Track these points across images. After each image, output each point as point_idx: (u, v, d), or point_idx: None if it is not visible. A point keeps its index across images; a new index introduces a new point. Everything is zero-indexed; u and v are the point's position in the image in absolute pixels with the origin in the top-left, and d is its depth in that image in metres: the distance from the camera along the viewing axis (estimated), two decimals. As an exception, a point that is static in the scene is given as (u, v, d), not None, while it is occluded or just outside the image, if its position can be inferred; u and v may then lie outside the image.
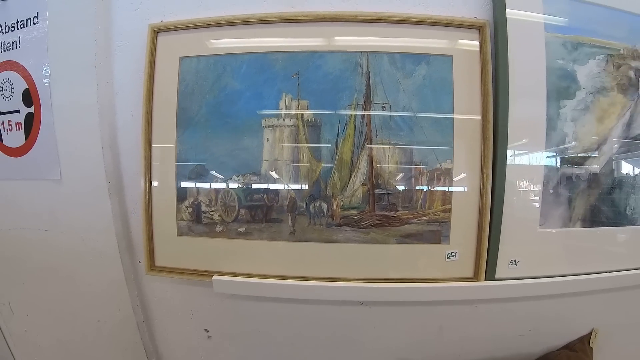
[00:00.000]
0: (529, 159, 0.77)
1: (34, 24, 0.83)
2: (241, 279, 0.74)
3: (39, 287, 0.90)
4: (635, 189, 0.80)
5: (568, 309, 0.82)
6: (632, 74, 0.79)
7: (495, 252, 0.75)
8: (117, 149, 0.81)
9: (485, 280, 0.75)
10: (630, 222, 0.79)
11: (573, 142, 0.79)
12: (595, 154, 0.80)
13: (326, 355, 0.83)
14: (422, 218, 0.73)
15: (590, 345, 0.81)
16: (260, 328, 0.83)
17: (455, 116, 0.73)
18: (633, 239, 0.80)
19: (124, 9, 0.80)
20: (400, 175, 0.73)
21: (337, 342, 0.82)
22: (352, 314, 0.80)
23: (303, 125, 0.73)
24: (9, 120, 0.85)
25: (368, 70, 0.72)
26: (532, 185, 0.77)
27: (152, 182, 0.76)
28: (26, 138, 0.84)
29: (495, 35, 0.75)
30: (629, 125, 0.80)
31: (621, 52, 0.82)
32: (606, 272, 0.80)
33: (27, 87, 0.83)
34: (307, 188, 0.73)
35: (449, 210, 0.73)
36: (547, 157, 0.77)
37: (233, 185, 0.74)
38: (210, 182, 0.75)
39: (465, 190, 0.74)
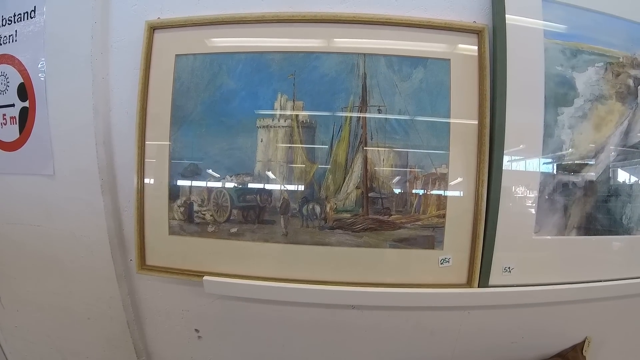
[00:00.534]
0: (525, 165, 0.75)
1: (31, 17, 0.81)
2: (232, 280, 0.71)
3: (30, 282, 0.88)
4: (632, 198, 0.77)
5: (562, 317, 0.79)
6: (630, 82, 0.77)
7: (489, 259, 0.72)
8: (111, 145, 0.79)
9: (478, 287, 0.72)
10: (626, 231, 0.77)
11: (570, 150, 0.77)
12: (592, 162, 0.78)
13: (317, 357, 0.80)
14: (416, 223, 0.70)
15: (584, 354, 0.79)
16: (252, 329, 0.80)
17: (451, 120, 0.71)
18: (628, 248, 0.78)
19: (121, 5, 0.78)
20: (395, 178, 0.71)
21: (328, 345, 0.80)
22: (344, 317, 0.77)
23: (298, 127, 0.71)
24: (4, 114, 0.82)
25: (365, 73, 0.70)
26: (527, 192, 0.74)
27: (145, 180, 0.74)
28: (20, 132, 0.81)
29: (494, 40, 0.73)
30: (626, 133, 0.77)
31: (620, 60, 0.79)
32: (601, 281, 0.77)
33: (23, 81, 0.81)
34: (300, 190, 0.70)
35: (444, 216, 0.70)
36: (544, 163, 0.75)
37: (226, 185, 0.72)
38: (203, 182, 0.72)
39: (461, 195, 0.71)
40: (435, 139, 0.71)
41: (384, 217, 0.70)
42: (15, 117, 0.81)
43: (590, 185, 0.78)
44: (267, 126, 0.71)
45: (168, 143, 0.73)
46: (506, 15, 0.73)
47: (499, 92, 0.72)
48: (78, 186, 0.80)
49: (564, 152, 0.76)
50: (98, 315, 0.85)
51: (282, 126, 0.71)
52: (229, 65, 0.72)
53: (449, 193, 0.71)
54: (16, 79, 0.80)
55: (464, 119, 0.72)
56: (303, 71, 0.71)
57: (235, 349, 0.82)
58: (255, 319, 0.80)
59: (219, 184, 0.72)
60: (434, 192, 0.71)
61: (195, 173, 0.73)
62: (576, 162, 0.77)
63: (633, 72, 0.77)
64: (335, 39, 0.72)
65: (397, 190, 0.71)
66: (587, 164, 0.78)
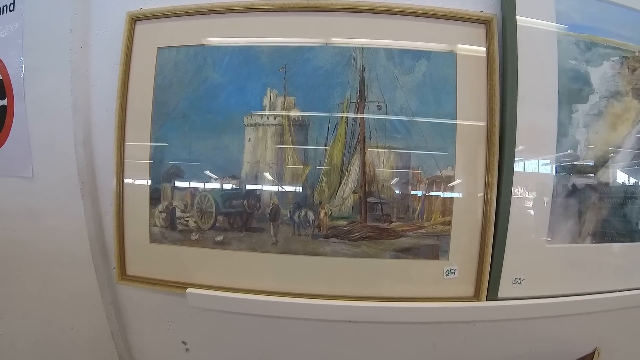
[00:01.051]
0: (537, 167, 0.62)
1: (10, 11, 0.68)
2: (217, 293, 0.59)
3: (14, 289, 0.77)
4: (651, 203, 0.64)
5: (571, 328, 0.68)
6: (648, 78, 0.64)
7: (498, 270, 0.60)
8: (91, 146, 0.67)
9: (487, 300, 0.60)
10: (644, 238, 0.64)
11: (585, 150, 0.64)
12: (608, 164, 0.65)
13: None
14: (419, 231, 0.58)
15: (594, 367, 0.66)
16: (241, 343, 0.68)
17: (458, 120, 0.59)
18: (647, 256, 0.65)
19: (102, -4, 0.65)
20: (396, 182, 0.58)
21: (324, 358, 0.67)
22: (340, 331, 0.65)
23: (289, 125, 0.58)
24: (-20, 113, 0.70)
25: (362, 65, 0.58)
26: (540, 196, 0.62)
27: (124, 183, 0.61)
28: (-2, 132, 0.69)
29: (503, 31, 0.60)
30: (645, 133, 0.64)
31: (636, 54, 0.67)
32: (616, 291, 0.64)
33: (1, 78, 0.68)
34: (292, 194, 0.58)
35: (449, 223, 0.58)
36: (557, 165, 0.62)
37: (210, 189, 0.59)
38: (186, 185, 0.60)
39: (468, 200, 0.59)
40: (440, 138, 0.58)
41: (384, 225, 0.58)
42: (-8, 116, 0.69)
43: (605, 188, 0.65)
44: (256, 124, 0.59)
45: (149, 143, 0.61)
46: (516, 4, 0.60)
47: (509, 87, 0.59)
48: (58, 189, 0.68)
49: (578, 153, 0.64)
50: (82, 325, 0.73)
51: (272, 124, 0.59)
52: (215, 58, 0.60)
53: (455, 198, 0.58)
54: (-7, 76, 0.68)
55: (471, 117, 0.59)
56: (295, 64, 0.58)
57: (224, 363, 0.70)
58: (246, 332, 0.68)
59: (202, 188, 0.59)
60: (439, 196, 0.58)
61: (177, 175, 0.60)
62: (591, 163, 0.64)
63: (651, 67, 0.64)
64: (330, 30, 0.59)
65: (398, 195, 0.58)
66: (602, 166, 0.65)
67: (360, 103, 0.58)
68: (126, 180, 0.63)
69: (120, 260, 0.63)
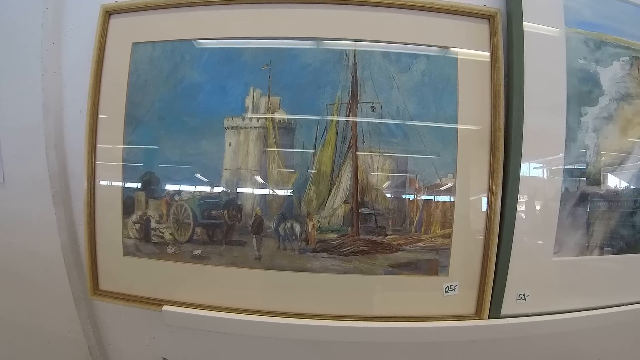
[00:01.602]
0: (544, 175, 0.52)
1: None
2: (196, 311, 0.49)
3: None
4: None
5: (574, 342, 0.60)
6: (661, 79, 0.54)
7: (502, 285, 0.50)
8: (63, 149, 0.57)
9: (489, 318, 0.50)
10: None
11: (595, 156, 0.54)
12: (618, 171, 0.55)
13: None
14: (417, 244, 0.48)
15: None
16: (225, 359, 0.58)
17: (459, 122, 0.49)
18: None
19: (76, -12, 0.55)
20: (392, 191, 0.48)
21: None
22: (331, 352, 0.56)
23: (273, 128, 0.48)
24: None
25: (355, 63, 0.48)
26: (547, 206, 0.52)
27: (96, 191, 0.51)
28: (-36, 135, 0.59)
29: (508, 27, 0.51)
30: (658, 138, 0.55)
31: None
32: (623, 305, 0.55)
33: None
34: (276, 204, 0.48)
35: (449, 236, 0.48)
36: (566, 173, 0.52)
37: (187, 198, 0.49)
38: (161, 194, 0.50)
39: (470, 211, 0.49)
40: (440, 143, 0.48)
41: (378, 238, 0.48)
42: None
43: (615, 197, 0.55)
44: (237, 127, 0.49)
45: (121, 146, 0.51)
46: None
47: (515, 88, 0.50)
48: (29, 196, 0.59)
49: (587, 160, 0.54)
50: (58, 339, 0.63)
51: (255, 127, 0.49)
52: (193, 55, 0.50)
53: (455, 208, 0.48)
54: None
55: (474, 120, 0.50)
56: (281, 61, 0.48)
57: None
58: (230, 349, 0.58)
59: (179, 197, 0.49)
60: (439, 207, 0.48)
61: (152, 183, 0.50)
62: (601, 170, 0.54)
63: (664, 67, 0.55)
64: (320, 24, 0.49)
65: (393, 206, 0.48)
66: (612, 173, 0.55)
67: (353, 104, 0.48)
68: (98, 188, 0.52)
69: (93, 274, 0.53)
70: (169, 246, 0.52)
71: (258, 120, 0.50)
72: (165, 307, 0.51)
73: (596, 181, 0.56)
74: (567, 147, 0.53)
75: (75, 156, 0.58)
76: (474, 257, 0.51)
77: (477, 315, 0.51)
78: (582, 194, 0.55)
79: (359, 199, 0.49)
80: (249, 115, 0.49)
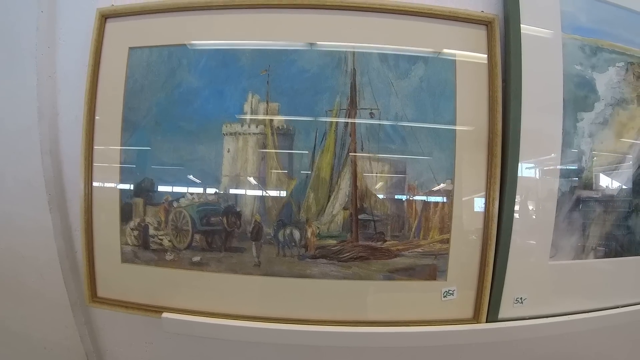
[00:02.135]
0: (541, 180, 0.53)
1: None
2: (195, 318, 0.49)
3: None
4: (657, 216, 0.56)
5: (571, 344, 0.61)
6: (654, 85, 0.56)
7: (499, 289, 0.51)
8: (58, 155, 0.57)
9: (486, 321, 0.51)
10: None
11: (590, 161, 0.55)
12: (613, 175, 0.56)
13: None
14: (416, 250, 0.48)
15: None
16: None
17: (457, 127, 0.49)
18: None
19: (71, -9, 0.54)
20: (390, 197, 0.48)
21: None
22: (330, 357, 0.55)
23: (272, 134, 0.48)
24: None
25: (354, 68, 0.48)
26: (544, 211, 0.53)
27: (93, 197, 0.50)
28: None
29: (505, 33, 0.51)
30: (652, 142, 0.56)
31: None
32: (619, 307, 0.56)
33: None
34: (275, 211, 0.48)
35: (448, 241, 0.48)
36: (562, 177, 0.53)
37: (186, 205, 0.49)
38: (160, 200, 0.49)
39: (468, 216, 0.50)
40: (439, 149, 0.49)
41: (377, 244, 0.48)
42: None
43: (610, 200, 0.56)
44: (235, 133, 0.49)
45: (118, 152, 0.50)
46: (520, 4, 0.51)
47: (513, 94, 0.50)
48: (24, 201, 0.58)
49: (583, 164, 0.55)
50: (54, 345, 0.63)
51: (254, 133, 0.49)
52: (191, 59, 0.50)
53: (454, 214, 0.49)
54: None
55: (471, 126, 0.50)
56: (279, 66, 0.48)
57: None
58: (230, 355, 0.57)
59: (177, 203, 0.49)
60: (437, 212, 0.48)
61: (150, 189, 0.50)
62: (597, 175, 0.55)
63: (657, 73, 0.56)
64: (318, 29, 0.49)
65: (392, 212, 0.48)
66: (607, 177, 0.56)
67: (352, 110, 0.49)
68: (95, 195, 0.52)
69: (90, 282, 0.53)
70: (168, 253, 0.52)
71: (257, 126, 0.50)
72: (165, 314, 0.51)
73: (592, 185, 0.57)
74: (564, 152, 0.54)
75: (71, 162, 0.57)
76: (471, 261, 0.51)
77: (475, 319, 0.52)
78: (577, 198, 0.56)
79: (358, 205, 0.49)
80: (248, 117, 0.49)
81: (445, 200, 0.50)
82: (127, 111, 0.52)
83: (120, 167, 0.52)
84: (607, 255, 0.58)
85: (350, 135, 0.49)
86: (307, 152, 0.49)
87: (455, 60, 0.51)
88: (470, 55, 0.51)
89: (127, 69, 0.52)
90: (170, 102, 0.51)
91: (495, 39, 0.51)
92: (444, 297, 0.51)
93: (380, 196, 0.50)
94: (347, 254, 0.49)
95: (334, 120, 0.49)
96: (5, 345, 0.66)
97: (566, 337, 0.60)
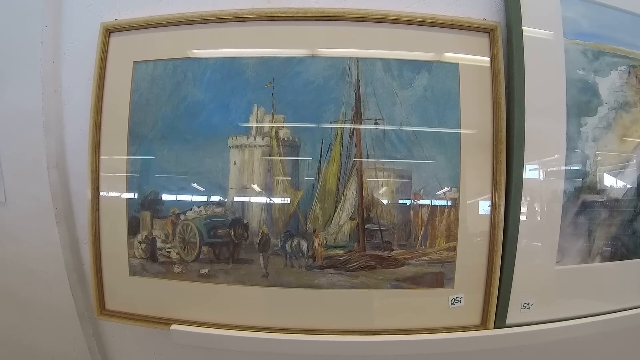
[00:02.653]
0: (546, 185, 0.53)
1: None
2: (204, 329, 0.50)
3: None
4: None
5: (579, 348, 0.60)
6: (657, 88, 0.56)
7: (506, 296, 0.52)
8: (65, 168, 0.57)
9: (494, 328, 0.51)
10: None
11: (594, 165, 0.55)
12: (618, 178, 0.57)
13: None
14: (422, 258, 0.49)
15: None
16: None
17: (462, 137, 0.49)
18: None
19: (75, 6, 0.57)
20: (397, 206, 0.49)
21: None
22: None
23: (278, 146, 0.49)
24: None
25: (358, 79, 0.48)
26: (549, 216, 0.53)
27: (100, 211, 0.51)
28: (-35, 154, 0.58)
29: (508, 40, 0.52)
30: (655, 145, 0.56)
31: None
32: (626, 310, 0.56)
33: None
34: (282, 222, 0.48)
35: (454, 249, 0.49)
36: (567, 182, 0.53)
37: (193, 218, 0.49)
38: (167, 213, 0.50)
39: (474, 223, 0.50)
40: (444, 157, 0.49)
41: (384, 253, 0.48)
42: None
43: (615, 204, 0.57)
44: (241, 145, 0.49)
45: (125, 166, 0.51)
46: (522, 11, 0.51)
47: (516, 101, 0.50)
48: (31, 214, 0.58)
49: (587, 169, 0.55)
50: (62, 357, 0.63)
51: (259, 145, 0.49)
52: (195, 73, 0.50)
53: (460, 221, 0.49)
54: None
55: (476, 134, 0.51)
56: (283, 78, 0.49)
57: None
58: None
59: (185, 216, 0.50)
60: (443, 220, 0.49)
61: (157, 202, 0.50)
62: (601, 179, 0.56)
63: (660, 76, 0.56)
64: (321, 40, 0.49)
65: (399, 221, 0.49)
66: (612, 181, 0.56)
67: (356, 120, 0.49)
68: (102, 208, 0.52)
69: (99, 294, 0.53)
70: (176, 265, 0.52)
71: (262, 139, 0.50)
72: (174, 326, 0.51)
73: (596, 189, 0.57)
74: (568, 157, 0.54)
75: (78, 175, 0.58)
76: (478, 268, 0.52)
77: (483, 325, 0.52)
78: (583, 203, 0.56)
79: (365, 215, 0.49)
80: (254, 129, 0.49)
81: (451, 207, 0.50)
82: (132, 125, 0.52)
83: (126, 180, 0.53)
84: (613, 258, 0.58)
85: (355, 146, 0.49)
86: (313, 162, 0.49)
87: (458, 68, 0.51)
88: (473, 62, 0.52)
89: (132, 83, 0.53)
90: (176, 116, 0.51)
91: (497, 46, 0.51)
92: (452, 304, 0.51)
93: (387, 206, 0.50)
94: (355, 263, 0.49)
95: (339, 126, 0.49)
96: (14, 358, 0.67)
97: (575, 341, 0.60)
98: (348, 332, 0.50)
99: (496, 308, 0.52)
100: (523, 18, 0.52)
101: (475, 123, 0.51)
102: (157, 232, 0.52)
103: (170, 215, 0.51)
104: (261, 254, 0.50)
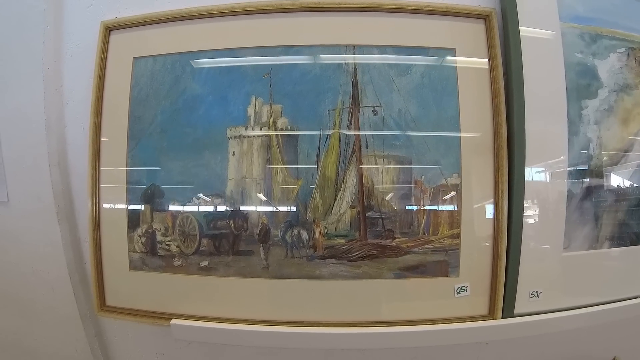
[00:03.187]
0: (549, 169, 0.52)
1: None
2: (205, 324, 0.48)
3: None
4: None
5: (589, 338, 0.59)
6: (657, 69, 0.55)
7: (513, 284, 0.50)
8: (66, 167, 0.57)
9: (502, 317, 0.49)
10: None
11: (598, 149, 0.54)
12: (622, 161, 0.55)
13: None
14: (426, 246, 0.48)
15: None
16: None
17: (462, 122, 0.49)
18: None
19: (76, 6, 0.57)
20: (398, 194, 0.48)
21: None
22: (344, 357, 0.54)
23: (276, 135, 0.48)
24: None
25: (355, 67, 0.48)
26: (554, 201, 0.52)
27: (101, 206, 0.51)
28: (-32, 154, 0.59)
29: (504, 25, 0.51)
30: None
31: None
32: (638, 297, 0.54)
33: None
34: (282, 212, 0.48)
35: (458, 236, 0.48)
36: (570, 166, 0.52)
37: (193, 210, 0.49)
38: (166, 206, 0.50)
39: (477, 210, 0.49)
40: (444, 143, 0.49)
41: (386, 242, 0.47)
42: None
43: (621, 188, 0.55)
44: (240, 136, 0.49)
45: (125, 161, 0.50)
46: None
47: (515, 84, 0.50)
48: (34, 214, 0.58)
49: (591, 152, 0.54)
50: (64, 358, 0.62)
51: (258, 136, 0.49)
52: (194, 67, 0.50)
53: (463, 208, 0.48)
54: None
55: (476, 119, 0.50)
56: (281, 69, 0.49)
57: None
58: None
59: (184, 209, 0.49)
60: (446, 207, 0.48)
61: (156, 196, 0.50)
62: (605, 162, 0.54)
63: (659, 58, 0.55)
64: (317, 30, 0.49)
65: (400, 208, 0.48)
66: (617, 164, 0.55)
67: (354, 108, 0.49)
68: (102, 203, 0.52)
69: (99, 290, 0.53)
70: (176, 259, 0.51)
71: (261, 129, 0.50)
72: (174, 321, 0.50)
73: (601, 173, 0.56)
74: (570, 141, 0.54)
75: (79, 173, 0.58)
76: (483, 256, 0.50)
77: (490, 315, 0.51)
78: (587, 188, 0.55)
79: (365, 203, 0.49)
80: (253, 119, 0.49)
81: (453, 194, 0.49)
82: (132, 119, 0.53)
83: (126, 175, 0.52)
84: (621, 244, 0.56)
85: (354, 134, 0.49)
86: (312, 151, 0.49)
87: (455, 54, 0.51)
88: (470, 48, 0.52)
89: (131, 79, 0.53)
90: (175, 109, 0.51)
91: (493, 32, 0.51)
92: (457, 293, 0.50)
93: (387, 193, 0.49)
94: (357, 253, 0.48)
95: (337, 118, 0.49)
96: (16, 360, 0.66)
97: (585, 331, 0.58)
98: (351, 324, 0.49)
99: (503, 297, 0.51)
100: (518, 3, 0.52)
101: (474, 108, 0.50)
102: (157, 225, 0.51)
103: (170, 209, 0.51)
104: (261, 245, 0.49)
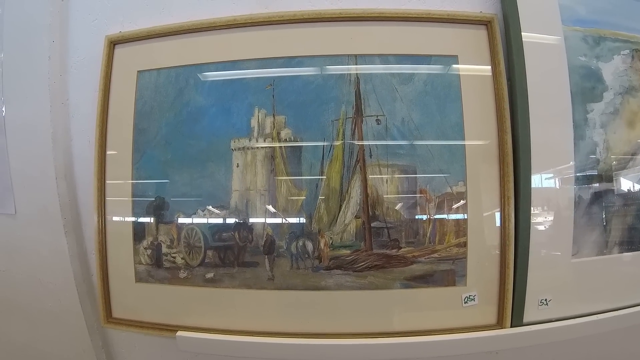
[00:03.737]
0: (556, 175, 0.51)
1: None
2: (211, 335, 0.48)
3: None
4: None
5: (600, 345, 0.57)
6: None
7: (522, 292, 0.49)
8: (73, 179, 0.57)
9: (511, 326, 0.48)
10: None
11: (604, 153, 0.53)
12: (630, 165, 0.54)
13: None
14: (432, 255, 0.47)
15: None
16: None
17: (465, 129, 0.48)
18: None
19: (81, 21, 0.58)
20: (403, 203, 0.48)
21: None
22: None
23: (280, 147, 0.48)
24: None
25: (357, 77, 0.48)
26: (561, 207, 0.51)
27: (107, 218, 0.51)
28: (-23, 168, 0.60)
29: (506, 31, 0.51)
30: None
31: None
32: None
33: None
34: (287, 223, 0.47)
35: (465, 244, 0.47)
36: (577, 171, 0.51)
37: (198, 222, 0.49)
38: (172, 218, 0.49)
39: (483, 218, 0.48)
40: (448, 151, 0.48)
41: (392, 252, 0.47)
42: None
43: (629, 192, 0.54)
44: (244, 148, 0.49)
45: (130, 173, 0.50)
46: (517, 1, 0.50)
47: (518, 90, 0.49)
48: (40, 226, 0.59)
49: (598, 156, 0.53)
50: (72, 370, 0.61)
51: (262, 147, 0.49)
52: (197, 79, 0.50)
53: (469, 216, 0.47)
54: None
55: (480, 126, 0.49)
56: (283, 80, 0.49)
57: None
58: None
59: (189, 220, 0.49)
60: (452, 216, 0.47)
61: (161, 208, 0.50)
62: (613, 166, 0.53)
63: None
64: (319, 41, 0.49)
65: (406, 218, 0.47)
66: (624, 168, 0.54)
67: (358, 118, 0.48)
68: (108, 215, 0.52)
69: (105, 302, 0.53)
70: (181, 271, 0.51)
71: (264, 140, 0.50)
72: (180, 333, 0.50)
73: (608, 177, 0.55)
74: (576, 145, 0.53)
75: (85, 185, 0.58)
76: (491, 264, 0.49)
77: (499, 324, 0.50)
78: (595, 192, 0.54)
79: (370, 213, 0.48)
80: (256, 131, 0.49)
81: (459, 203, 0.48)
82: (137, 132, 0.53)
83: (132, 188, 0.52)
84: (631, 248, 0.55)
85: (357, 143, 0.49)
86: (315, 162, 0.48)
87: (458, 60, 0.51)
88: (472, 55, 0.51)
89: (136, 92, 0.53)
90: (179, 121, 0.51)
91: (496, 38, 0.50)
92: (465, 303, 0.49)
93: (392, 203, 0.48)
94: (362, 263, 0.48)
95: (341, 128, 0.48)
96: (24, 372, 0.66)
97: (596, 338, 0.56)
98: (357, 335, 0.48)
99: (512, 305, 0.49)
100: (520, 9, 0.52)
101: (478, 115, 0.50)
102: (163, 237, 0.51)
103: (175, 220, 0.51)
104: (266, 257, 0.48)
